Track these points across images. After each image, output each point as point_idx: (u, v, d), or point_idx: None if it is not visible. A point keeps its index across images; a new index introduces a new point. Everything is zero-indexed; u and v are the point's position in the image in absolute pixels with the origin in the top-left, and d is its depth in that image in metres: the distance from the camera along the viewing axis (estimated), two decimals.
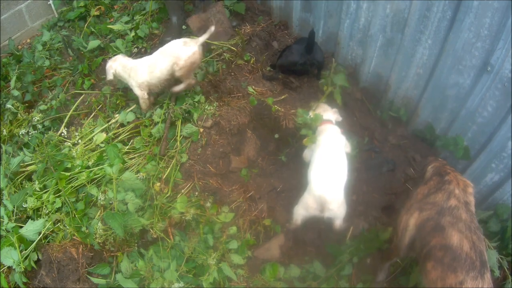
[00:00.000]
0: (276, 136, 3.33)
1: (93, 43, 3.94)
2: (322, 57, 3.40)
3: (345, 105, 3.33)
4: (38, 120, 3.46)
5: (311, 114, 3.03)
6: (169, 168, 3.01)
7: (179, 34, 3.78)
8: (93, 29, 4.16)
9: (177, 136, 3.18)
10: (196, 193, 2.99)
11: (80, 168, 3.07)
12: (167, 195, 2.92)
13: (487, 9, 2.49)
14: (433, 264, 2.10)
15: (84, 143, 3.23)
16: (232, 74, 3.48)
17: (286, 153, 3.31)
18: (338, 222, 2.72)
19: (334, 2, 3.39)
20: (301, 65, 3.35)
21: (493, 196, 2.94)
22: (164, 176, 2.99)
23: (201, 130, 3.19)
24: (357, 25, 3.29)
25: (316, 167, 2.71)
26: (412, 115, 3.26)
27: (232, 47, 3.69)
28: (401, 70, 3.15)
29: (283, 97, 3.39)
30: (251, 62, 3.53)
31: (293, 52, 3.29)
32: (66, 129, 3.34)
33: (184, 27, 3.88)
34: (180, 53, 3.11)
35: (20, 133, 3.37)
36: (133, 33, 3.95)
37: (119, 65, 3.25)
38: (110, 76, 3.28)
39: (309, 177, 2.70)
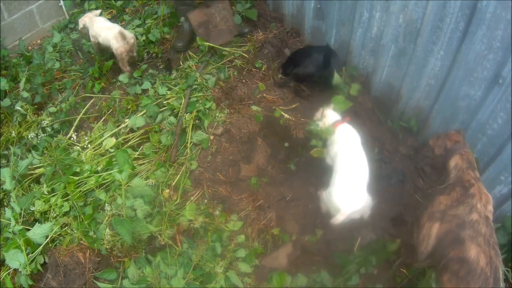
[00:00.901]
0: (286, 144, 3.30)
1: None
2: (340, 69, 3.39)
3: (355, 115, 3.29)
4: (47, 123, 3.43)
5: (320, 124, 3.01)
6: (179, 175, 2.98)
7: (191, 40, 3.76)
8: None
9: (187, 143, 3.15)
10: (205, 201, 2.97)
11: (89, 172, 3.04)
12: (176, 202, 2.89)
13: (500, 21, 2.45)
14: (449, 277, 2.10)
15: (94, 148, 3.20)
16: (243, 81, 3.44)
17: (295, 162, 3.28)
18: (367, 215, 2.80)
19: (346, 11, 3.35)
20: (317, 78, 3.34)
21: (501, 209, 2.91)
22: (174, 183, 2.96)
23: (211, 137, 3.16)
24: (369, 34, 3.26)
25: (345, 173, 2.76)
26: (423, 126, 3.22)
27: (244, 54, 3.65)
28: (412, 81, 3.12)
29: (294, 106, 3.36)
30: (263, 69, 3.50)
31: (311, 63, 3.26)
32: (75, 133, 3.31)
33: (182, 19, 3.82)
34: (112, 42, 3.53)
35: (30, 136, 3.35)
36: (144, 38, 3.92)
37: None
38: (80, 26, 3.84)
39: (338, 188, 2.73)
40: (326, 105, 3.09)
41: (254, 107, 3.29)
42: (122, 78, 3.68)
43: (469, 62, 2.72)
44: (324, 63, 3.30)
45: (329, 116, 3.01)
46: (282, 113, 3.28)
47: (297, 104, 3.40)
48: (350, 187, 2.69)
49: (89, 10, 4.21)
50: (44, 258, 2.83)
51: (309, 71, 3.35)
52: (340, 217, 2.66)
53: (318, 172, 3.16)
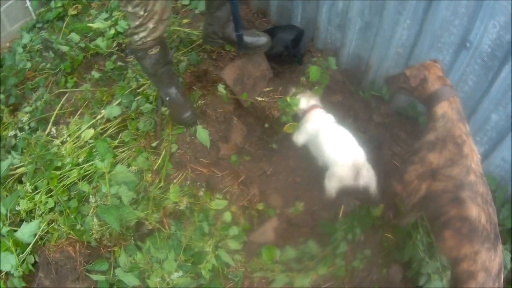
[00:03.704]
0: (266, 125, 3.27)
1: (74, 37, 3.85)
2: (305, 47, 3.38)
3: (327, 88, 3.28)
4: (26, 121, 3.33)
5: (288, 100, 3.02)
6: (160, 159, 2.93)
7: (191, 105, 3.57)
8: (72, 29, 4.01)
9: (163, 126, 3.10)
10: (188, 182, 2.91)
11: (70, 166, 2.95)
12: (160, 185, 2.84)
13: None
14: (452, 233, 2.13)
15: (73, 141, 3.11)
16: (215, 64, 3.37)
17: (275, 140, 3.26)
18: (373, 187, 2.75)
19: None
20: (285, 56, 3.32)
21: None
22: (155, 167, 2.91)
23: None
24: (335, 9, 3.24)
25: (334, 143, 2.77)
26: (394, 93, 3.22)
27: None
28: (380, 51, 3.12)
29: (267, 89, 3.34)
30: (232, 50, 3.43)
31: (279, 43, 3.22)
32: (55, 127, 3.21)
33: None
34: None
35: (9, 135, 3.24)
36: (113, 30, 3.82)
37: None
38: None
39: (331, 153, 2.76)
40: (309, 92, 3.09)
41: (220, 88, 3.19)
42: (94, 73, 3.59)
43: (435, 29, 2.73)
44: (292, 41, 3.27)
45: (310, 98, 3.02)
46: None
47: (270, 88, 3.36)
48: (349, 145, 2.74)
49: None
50: (34, 258, 2.74)
51: (277, 50, 3.32)
52: (339, 168, 2.69)
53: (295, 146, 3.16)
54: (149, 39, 2.62)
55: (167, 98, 3.01)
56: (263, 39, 3.12)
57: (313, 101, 3.05)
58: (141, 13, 2.46)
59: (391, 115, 3.27)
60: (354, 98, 3.36)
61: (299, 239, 2.91)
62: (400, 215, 2.72)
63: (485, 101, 2.72)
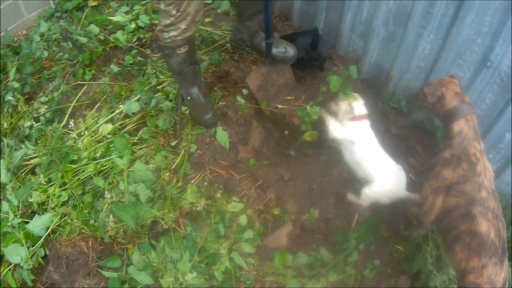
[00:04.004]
0: (286, 132, 3.26)
1: (94, 29, 3.82)
2: (327, 52, 3.35)
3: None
4: (43, 112, 3.28)
5: (308, 109, 2.97)
6: (179, 158, 2.91)
7: (212, 106, 3.53)
8: (92, 20, 3.97)
9: (183, 125, 3.08)
10: (205, 183, 2.90)
11: (87, 160, 2.92)
12: (178, 185, 2.83)
13: (488, 7, 2.49)
14: (461, 247, 2.19)
15: (90, 134, 3.08)
16: (236, 65, 3.36)
17: (294, 147, 3.24)
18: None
19: None
20: (307, 61, 3.29)
21: None
22: (174, 167, 2.89)
23: None
24: (359, 18, 3.22)
25: (378, 162, 2.78)
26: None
27: None
28: (402, 63, 3.12)
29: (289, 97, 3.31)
30: (254, 53, 3.41)
31: (300, 47, 3.19)
32: (73, 120, 3.17)
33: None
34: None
35: (26, 125, 3.19)
36: (133, 24, 3.78)
37: None
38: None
39: (375, 171, 2.75)
40: (350, 98, 2.93)
41: (239, 98, 3.17)
42: (113, 67, 3.55)
43: (458, 45, 2.75)
44: (311, 46, 3.25)
45: (355, 108, 2.87)
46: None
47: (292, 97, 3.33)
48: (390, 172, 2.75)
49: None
50: (44, 251, 2.72)
51: (299, 54, 3.29)
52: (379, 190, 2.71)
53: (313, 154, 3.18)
54: (179, 38, 2.58)
55: (188, 98, 2.99)
56: (290, 52, 3.08)
57: (365, 109, 2.92)
58: (173, 12, 2.42)
59: (408, 127, 3.27)
60: (372, 109, 3.34)
61: (312, 246, 2.93)
62: (412, 227, 2.75)
63: (501, 120, 2.75)
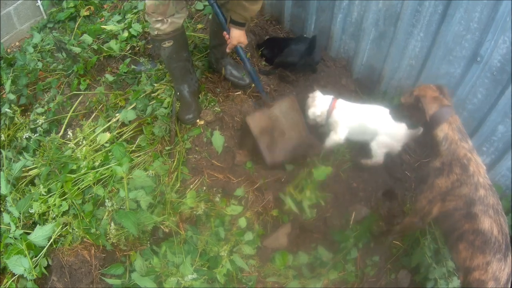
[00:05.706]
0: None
1: (87, 39, 3.84)
2: (320, 57, 3.41)
3: (340, 97, 3.30)
4: (41, 123, 3.29)
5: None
6: (175, 162, 2.94)
7: (199, 108, 3.57)
8: (85, 30, 3.97)
9: (177, 130, 3.12)
10: (204, 188, 2.92)
11: (86, 169, 2.93)
12: (177, 187, 2.85)
13: (477, 4, 2.54)
14: (465, 246, 2.18)
15: (88, 144, 3.09)
16: None
17: None
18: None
19: None
20: (300, 66, 3.35)
21: None
22: (171, 171, 2.91)
23: (202, 122, 3.13)
24: (349, 19, 3.27)
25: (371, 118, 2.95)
26: None
27: None
28: (393, 62, 3.16)
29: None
30: (247, 56, 3.43)
31: (293, 53, 3.24)
32: (70, 130, 3.18)
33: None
34: None
35: (24, 137, 3.20)
36: (126, 33, 3.79)
37: None
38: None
39: (374, 127, 2.94)
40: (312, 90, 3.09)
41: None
42: (108, 76, 3.56)
43: (448, 42, 2.79)
44: (306, 51, 3.31)
45: (320, 99, 3.03)
46: None
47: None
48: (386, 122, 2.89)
49: None
50: (47, 260, 2.71)
51: (292, 60, 3.36)
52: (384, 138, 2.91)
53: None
54: (161, 33, 2.80)
55: (178, 93, 3.15)
56: (246, 81, 3.31)
57: (328, 96, 3.05)
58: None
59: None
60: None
61: (311, 245, 2.94)
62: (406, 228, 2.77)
63: (493, 113, 2.79)
